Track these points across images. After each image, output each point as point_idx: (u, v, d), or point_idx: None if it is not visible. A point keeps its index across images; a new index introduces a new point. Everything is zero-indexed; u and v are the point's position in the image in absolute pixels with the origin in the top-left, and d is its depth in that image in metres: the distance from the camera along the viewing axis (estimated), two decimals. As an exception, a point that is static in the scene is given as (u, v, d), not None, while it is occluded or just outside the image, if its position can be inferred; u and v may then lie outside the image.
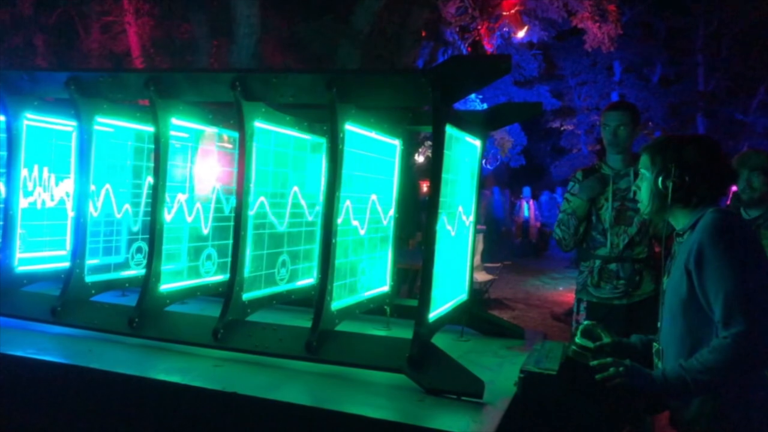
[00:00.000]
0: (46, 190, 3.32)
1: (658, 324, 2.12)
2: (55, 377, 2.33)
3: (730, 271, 1.85)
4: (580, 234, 3.38)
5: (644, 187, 2.08)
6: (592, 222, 3.38)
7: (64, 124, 3.34)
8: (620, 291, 3.31)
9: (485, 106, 13.62)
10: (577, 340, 2.19)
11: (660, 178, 2.01)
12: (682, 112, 19.67)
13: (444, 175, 2.27)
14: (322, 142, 3.09)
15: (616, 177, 3.37)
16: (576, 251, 3.65)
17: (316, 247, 3.12)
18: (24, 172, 3.13)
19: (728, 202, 3.46)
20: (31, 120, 3.14)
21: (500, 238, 18.16)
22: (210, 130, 3.12)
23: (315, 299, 2.43)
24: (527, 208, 17.63)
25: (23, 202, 3.13)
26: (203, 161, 3.11)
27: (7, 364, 2.38)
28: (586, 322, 2.32)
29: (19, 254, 3.08)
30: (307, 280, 3.15)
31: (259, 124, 2.61)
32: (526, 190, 17.86)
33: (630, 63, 20.45)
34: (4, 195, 3.09)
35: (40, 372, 2.33)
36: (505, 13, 11.10)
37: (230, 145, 3.25)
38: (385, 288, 3.07)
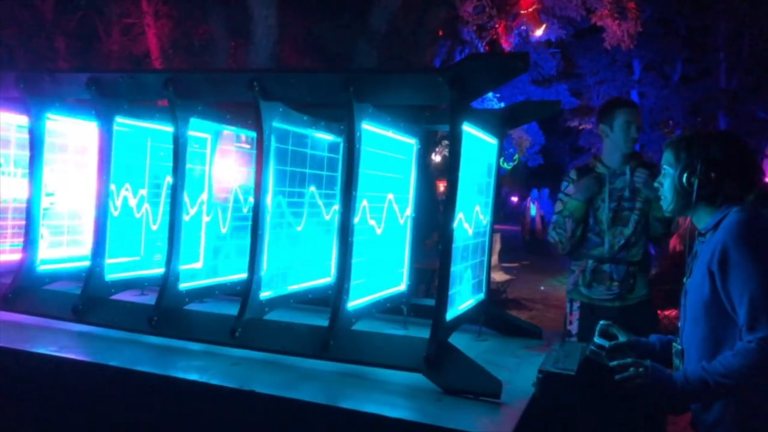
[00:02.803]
0: (67, 190, 3.37)
1: (680, 324, 2.09)
2: (77, 374, 2.36)
3: (756, 274, 1.80)
4: (577, 236, 3.30)
5: (667, 184, 2.04)
6: (588, 223, 3.31)
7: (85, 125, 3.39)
8: (614, 293, 3.24)
9: (502, 105, 13.55)
10: (596, 339, 2.17)
11: (685, 175, 1.97)
12: (704, 111, 19.41)
13: (461, 174, 2.26)
14: (339, 141, 3.09)
15: (612, 176, 3.30)
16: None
17: (333, 247, 3.13)
18: (46, 171, 3.17)
19: None
20: (53, 120, 3.18)
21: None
22: (228, 130, 3.14)
23: (332, 298, 2.43)
24: (534, 209, 17.71)
25: (44, 202, 3.17)
26: (221, 161, 3.13)
27: (30, 361, 2.42)
28: (603, 322, 2.30)
29: (40, 253, 3.12)
30: (324, 279, 3.15)
31: (276, 124, 2.62)
32: (534, 192, 17.93)
33: (650, 61, 20.24)
34: (27, 195, 3.12)
35: (62, 369, 2.36)
36: (522, 12, 11.03)
37: (248, 145, 3.27)
38: (402, 287, 3.07)
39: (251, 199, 2.92)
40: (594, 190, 3.28)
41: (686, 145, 1.99)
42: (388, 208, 2.82)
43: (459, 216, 2.40)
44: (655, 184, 2.13)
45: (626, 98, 4.15)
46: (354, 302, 2.52)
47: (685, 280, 2.07)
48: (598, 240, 3.29)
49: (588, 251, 3.31)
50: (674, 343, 2.09)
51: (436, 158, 14.07)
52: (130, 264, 3.26)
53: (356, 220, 2.47)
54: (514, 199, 26.34)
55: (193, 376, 2.22)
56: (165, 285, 2.71)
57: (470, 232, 2.65)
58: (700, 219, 2.01)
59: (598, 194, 3.29)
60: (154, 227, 3.37)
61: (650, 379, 1.93)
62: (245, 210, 3.20)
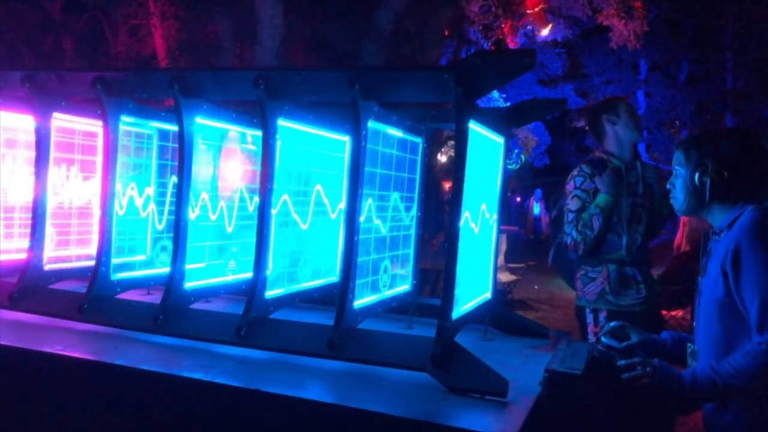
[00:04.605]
0: (73, 190, 3.38)
1: (694, 324, 2.07)
2: (82, 373, 2.36)
3: None
4: (601, 235, 3.11)
5: (679, 184, 2.00)
6: (611, 222, 3.13)
7: (91, 124, 3.40)
8: (642, 297, 3.10)
9: (508, 105, 13.51)
10: (604, 339, 2.16)
11: (696, 174, 1.93)
12: (710, 111, 19.32)
13: (467, 172, 2.25)
14: (345, 140, 3.09)
15: (626, 170, 3.17)
16: (555, 255, 3.46)
17: (338, 245, 3.12)
18: (52, 171, 3.17)
19: None
20: (59, 120, 3.19)
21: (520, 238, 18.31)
22: (233, 129, 3.14)
23: (337, 297, 2.42)
24: (537, 208, 17.80)
25: (52, 201, 3.18)
26: (227, 160, 3.12)
27: (36, 359, 2.42)
28: (614, 323, 2.28)
29: (47, 253, 3.12)
30: (330, 278, 3.15)
31: (282, 123, 2.61)
32: (537, 191, 18.02)
33: (656, 61, 20.16)
34: (33, 194, 3.12)
35: (68, 368, 2.36)
36: (528, 11, 11.00)
37: (253, 146, 3.26)
38: (408, 287, 3.06)
39: (257, 198, 2.92)
40: (619, 185, 3.11)
41: (696, 144, 1.95)
42: (394, 207, 2.81)
43: (465, 215, 2.38)
44: (668, 186, 2.09)
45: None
46: (359, 301, 2.51)
47: (699, 278, 2.04)
48: (618, 240, 3.14)
49: (606, 255, 3.15)
50: (689, 344, 2.07)
51: (442, 158, 14.05)
52: (136, 263, 3.27)
53: (362, 218, 2.47)
54: (519, 199, 26.33)
55: (198, 375, 2.21)
56: (170, 284, 2.71)
57: (476, 231, 2.64)
58: (715, 218, 1.97)
59: (621, 189, 3.13)
60: (160, 226, 3.38)
61: (658, 379, 1.91)
62: (251, 209, 3.20)
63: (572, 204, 3.20)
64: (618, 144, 3.23)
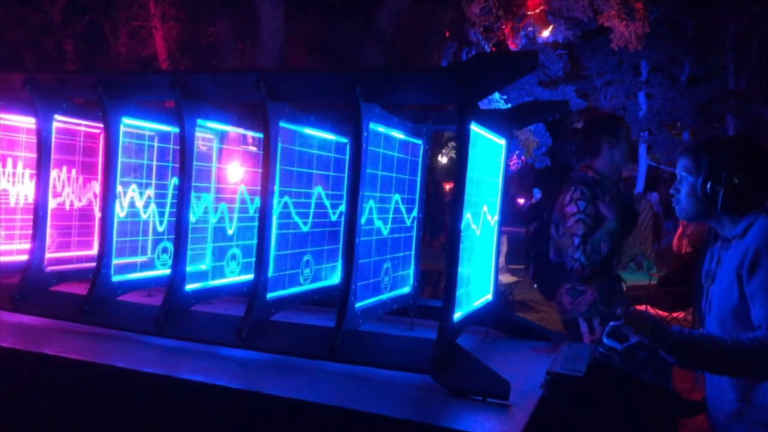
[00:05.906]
0: (74, 192, 3.38)
1: (702, 331, 2.06)
2: (83, 375, 2.36)
3: None
4: (607, 258, 3.20)
5: (684, 190, 1.99)
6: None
7: (92, 126, 3.40)
8: (624, 305, 3.20)
9: (509, 107, 13.51)
10: (605, 341, 2.15)
11: (709, 184, 1.92)
12: (712, 112, 19.32)
13: (469, 174, 2.25)
14: (346, 142, 3.09)
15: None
16: (533, 268, 3.52)
17: (339, 247, 3.12)
18: (53, 173, 3.17)
19: None
20: (60, 122, 3.19)
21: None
22: (234, 131, 3.14)
23: (339, 299, 2.42)
24: None
25: (52, 203, 3.18)
26: (228, 162, 3.12)
27: (36, 361, 2.42)
28: (613, 323, 2.27)
29: (48, 254, 3.12)
30: (331, 280, 3.14)
31: (283, 124, 2.61)
32: (536, 192, 18.04)
33: (657, 62, 20.18)
34: (35, 196, 3.13)
35: (68, 370, 2.36)
36: (529, 13, 11.01)
37: (254, 147, 3.26)
38: (409, 288, 3.06)
39: (258, 200, 2.92)
40: (619, 209, 3.17)
41: (707, 152, 1.93)
42: (395, 209, 2.81)
43: (466, 216, 2.38)
44: (671, 191, 2.08)
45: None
46: (361, 303, 2.51)
47: (708, 286, 2.03)
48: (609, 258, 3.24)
49: (596, 269, 3.19)
50: None
51: (443, 160, 14.05)
52: (137, 265, 3.26)
53: (363, 220, 2.46)
54: (521, 200, 26.34)
55: (200, 377, 2.21)
56: (171, 286, 2.70)
57: (478, 232, 2.64)
58: (724, 226, 1.97)
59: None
60: (161, 228, 3.37)
61: (656, 332, 1.87)
62: (252, 211, 3.20)
63: (577, 228, 3.16)
64: (610, 165, 3.26)
